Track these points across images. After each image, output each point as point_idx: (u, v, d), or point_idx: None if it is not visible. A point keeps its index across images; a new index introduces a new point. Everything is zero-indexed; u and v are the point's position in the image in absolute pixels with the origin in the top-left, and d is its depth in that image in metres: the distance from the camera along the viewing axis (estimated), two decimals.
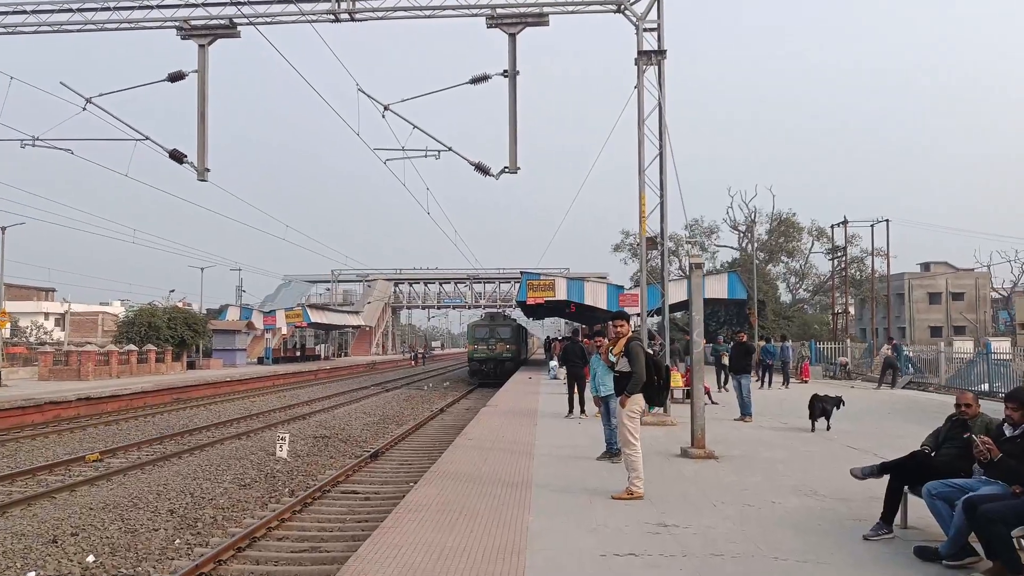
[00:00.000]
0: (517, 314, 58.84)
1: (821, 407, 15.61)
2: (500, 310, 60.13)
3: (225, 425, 24.50)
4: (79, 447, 20.07)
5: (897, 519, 7.14)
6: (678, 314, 64.10)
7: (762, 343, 28.84)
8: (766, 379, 26.85)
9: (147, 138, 17.40)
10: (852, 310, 78.84)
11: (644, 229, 15.55)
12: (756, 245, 60.59)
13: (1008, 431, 6.21)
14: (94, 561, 10.07)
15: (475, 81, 16.16)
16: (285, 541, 10.76)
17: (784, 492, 8.97)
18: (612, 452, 11.22)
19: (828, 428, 15.41)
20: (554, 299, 37.09)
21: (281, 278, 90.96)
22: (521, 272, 42.10)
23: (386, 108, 16.05)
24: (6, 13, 17.44)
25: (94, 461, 17.50)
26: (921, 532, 6.94)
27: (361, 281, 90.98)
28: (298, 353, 63.56)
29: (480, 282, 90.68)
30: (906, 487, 6.93)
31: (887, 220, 44.85)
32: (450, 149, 16.18)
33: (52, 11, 17.49)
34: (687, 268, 60.86)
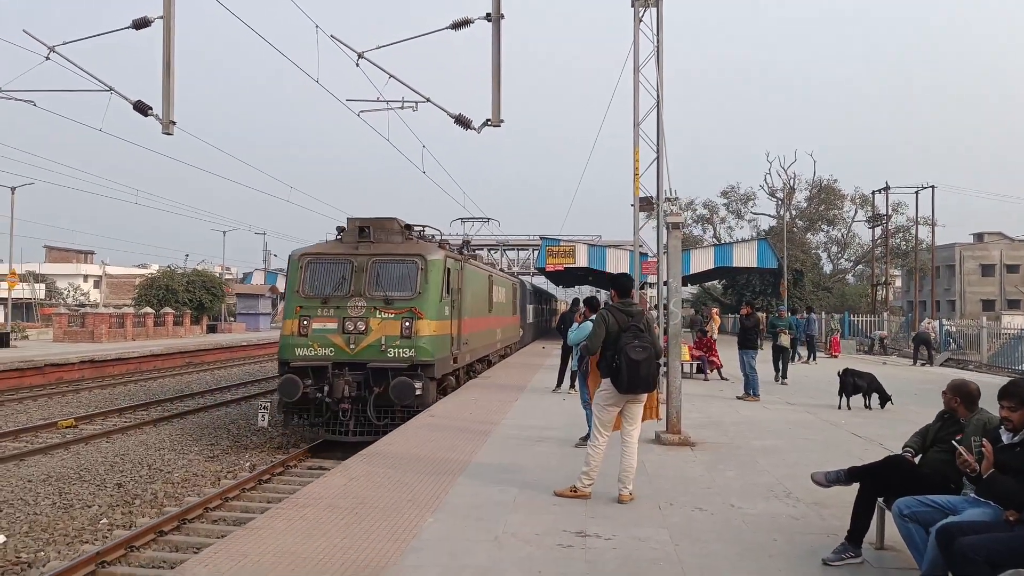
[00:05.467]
0: (542, 282, 57.55)
1: (853, 383, 14.22)
2: (529, 275, 58.84)
3: (222, 391, 23.74)
4: (62, 411, 19.45)
5: (872, 536, 5.76)
6: (713, 283, 62.23)
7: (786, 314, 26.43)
8: (793, 353, 25.13)
9: (112, 89, 16.25)
10: (899, 282, 75.88)
11: (638, 188, 14.10)
12: (794, 213, 58.22)
13: (1005, 437, 4.74)
14: (3, 542, 9.20)
15: (456, 26, 14.70)
16: (218, 524, 9.79)
17: (753, 493, 7.59)
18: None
19: (868, 407, 14.16)
20: (574, 266, 35.64)
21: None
22: (541, 238, 40.67)
23: (360, 56, 14.73)
24: None
25: (66, 428, 16.80)
26: (900, 555, 5.53)
27: None
28: None
29: (513, 248, 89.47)
30: (881, 499, 5.53)
31: (932, 187, 42.22)
32: (428, 100, 14.81)
33: None
34: (720, 236, 59.04)
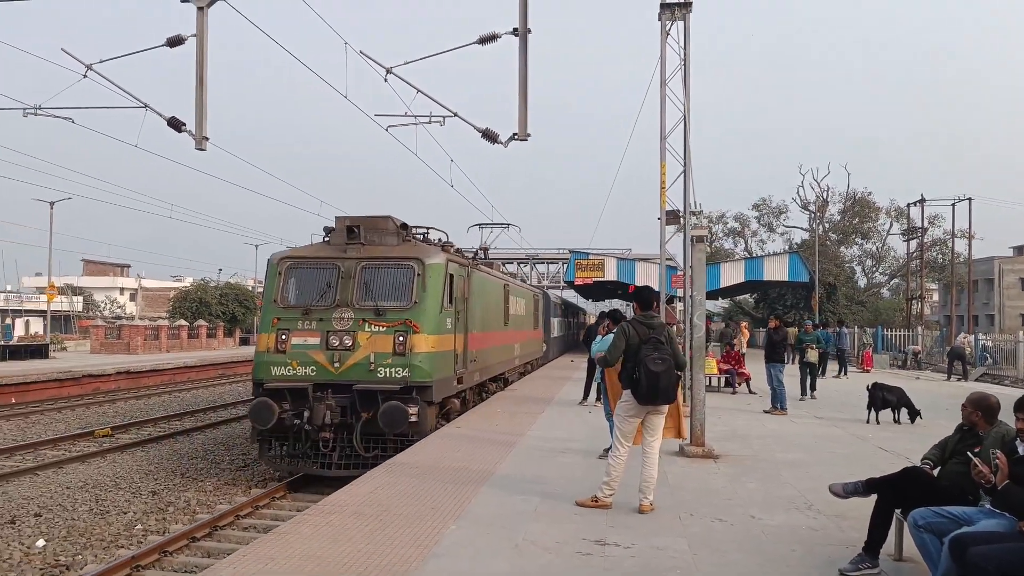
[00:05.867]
0: (572, 295, 57.60)
1: (882, 397, 14.14)
2: (559, 288, 58.88)
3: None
4: (98, 421, 19.89)
5: (891, 548, 5.78)
6: (744, 296, 61.75)
7: (792, 329, 25.92)
8: (821, 368, 24.91)
9: (147, 106, 16.69)
10: (936, 296, 74.67)
11: (664, 201, 14.17)
12: (828, 226, 57.69)
13: (1021, 449, 4.76)
14: (43, 546, 9.50)
15: (484, 41, 14.90)
16: (248, 531, 9.99)
17: (774, 505, 7.62)
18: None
19: (897, 421, 14.07)
20: (603, 279, 35.65)
21: None
22: (570, 251, 40.73)
23: (388, 71, 14.98)
24: None
25: (103, 436, 17.19)
26: (918, 567, 5.53)
27: None
28: None
29: (543, 262, 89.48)
30: (898, 511, 5.55)
31: (969, 199, 41.66)
32: (455, 114, 15.00)
33: None
34: (751, 249, 58.63)
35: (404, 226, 13.40)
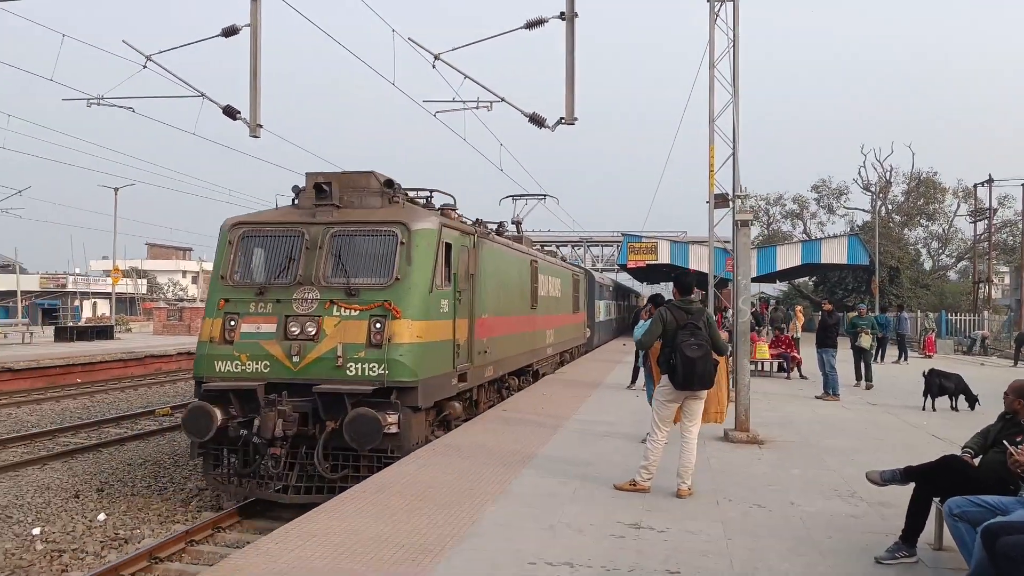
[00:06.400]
0: (627, 279, 57.29)
1: (939, 384, 13.83)
2: (614, 272, 58.62)
3: None
4: (160, 400, 20.61)
5: (931, 537, 5.70)
6: (804, 279, 60.58)
7: (852, 313, 24.38)
8: (878, 354, 24.37)
9: (204, 95, 17.11)
10: (1008, 279, 72.16)
11: (713, 185, 13.99)
12: (891, 207, 56.17)
13: None
14: (103, 519, 9.94)
15: (531, 26, 14.89)
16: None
17: (815, 491, 7.55)
18: None
19: (955, 408, 13.75)
20: (656, 262, 35.36)
21: None
22: (623, 235, 40.48)
23: (436, 57, 15.08)
24: None
25: (163, 415, 17.79)
26: (956, 556, 5.43)
27: None
28: None
29: (597, 245, 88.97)
30: (937, 499, 5.47)
31: None
32: (503, 99, 15.04)
33: None
34: (810, 232, 57.44)
35: (390, 183, 10.81)
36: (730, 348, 10.04)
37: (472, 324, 11.36)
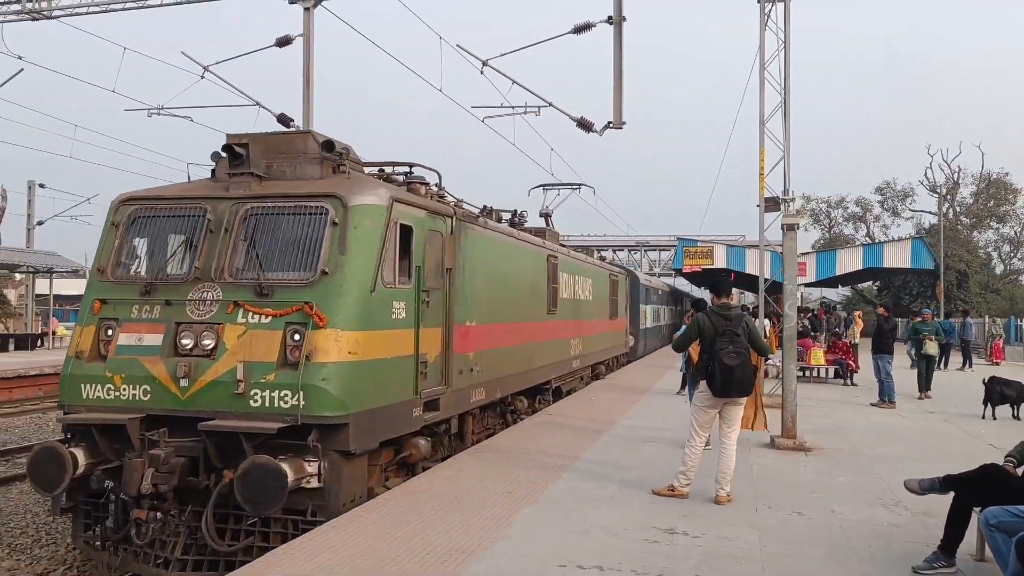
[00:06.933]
0: (684, 284, 56.72)
1: (1000, 392, 13.43)
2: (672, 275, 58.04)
3: None
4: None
5: (973, 548, 5.58)
6: (867, 284, 59.08)
7: (916, 319, 22.60)
8: (941, 360, 23.64)
9: (259, 104, 17.63)
10: None
11: (763, 188, 13.79)
12: (959, 209, 54.45)
13: None
14: None
15: (578, 31, 14.98)
16: None
17: (859, 500, 7.42)
18: None
19: (1017, 417, 13.35)
20: (712, 266, 34.97)
21: None
22: (678, 239, 40.13)
23: (484, 63, 15.25)
24: None
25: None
26: (997, 568, 5.31)
27: None
28: None
29: (654, 249, 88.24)
30: (977, 509, 5.34)
31: None
32: (550, 104, 15.14)
33: None
34: (873, 235, 55.97)
35: (329, 145, 8.05)
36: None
37: (450, 334, 8.84)
